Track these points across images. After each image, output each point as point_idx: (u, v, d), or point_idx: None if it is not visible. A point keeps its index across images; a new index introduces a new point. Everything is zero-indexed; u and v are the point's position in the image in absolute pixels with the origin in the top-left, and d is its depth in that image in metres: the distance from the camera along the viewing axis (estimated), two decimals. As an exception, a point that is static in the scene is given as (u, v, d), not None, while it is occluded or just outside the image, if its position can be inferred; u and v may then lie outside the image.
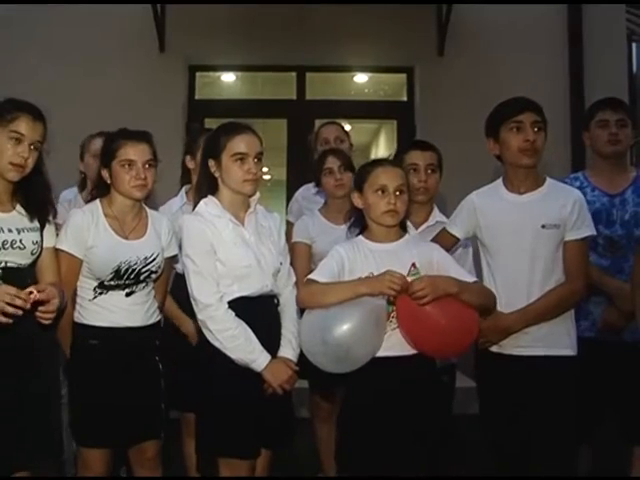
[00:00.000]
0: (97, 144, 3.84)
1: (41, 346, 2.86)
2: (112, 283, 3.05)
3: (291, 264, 3.23)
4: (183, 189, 3.89)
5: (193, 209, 3.09)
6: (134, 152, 3.08)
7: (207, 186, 3.07)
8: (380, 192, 2.90)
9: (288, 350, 3.00)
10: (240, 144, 2.98)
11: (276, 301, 3.07)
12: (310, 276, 2.89)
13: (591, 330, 3.49)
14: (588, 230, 3.06)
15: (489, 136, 3.18)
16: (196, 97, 7.23)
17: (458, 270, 2.90)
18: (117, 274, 3.03)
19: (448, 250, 3.20)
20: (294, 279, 3.16)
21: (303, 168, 6.02)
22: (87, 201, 3.27)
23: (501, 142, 3.11)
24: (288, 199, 5.79)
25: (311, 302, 2.83)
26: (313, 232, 3.88)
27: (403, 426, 2.78)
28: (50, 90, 6.03)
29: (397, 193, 2.90)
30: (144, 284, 3.12)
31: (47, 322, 2.70)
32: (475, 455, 3.55)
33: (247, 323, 2.89)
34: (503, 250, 3.08)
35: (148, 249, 3.12)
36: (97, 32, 6.79)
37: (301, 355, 2.99)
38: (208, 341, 2.90)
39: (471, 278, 2.94)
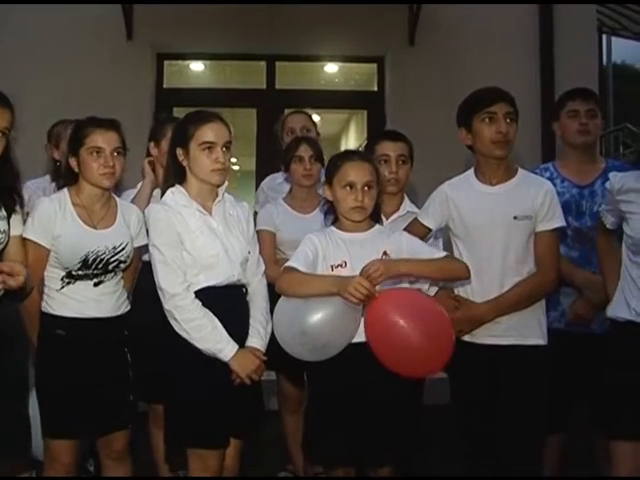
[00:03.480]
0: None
1: (13, 336, 2.82)
2: (80, 273, 3.02)
3: None
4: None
5: (161, 198, 3.06)
6: (102, 139, 3.04)
7: (174, 175, 3.04)
8: (348, 188, 2.92)
9: (256, 340, 2.97)
10: (208, 132, 2.95)
11: (244, 290, 3.06)
12: (288, 263, 2.91)
13: (560, 321, 3.50)
14: (559, 221, 3.08)
15: (461, 126, 3.17)
16: (164, 86, 7.21)
17: (427, 250, 2.95)
18: (85, 264, 3.00)
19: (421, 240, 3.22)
20: (263, 268, 3.15)
21: (273, 158, 6.00)
22: (53, 187, 3.22)
23: (473, 133, 3.10)
24: (257, 190, 5.76)
25: (288, 291, 2.84)
26: (277, 220, 3.85)
27: (373, 411, 2.80)
28: (16, 77, 5.95)
29: (365, 188, 2.92)
30: (113, 274, 3.09)
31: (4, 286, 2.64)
32: (443, 445, 3.56)
33: (214, 313, 2.87)
34: (475, 241, 3.08)
35: (117, 238, 3.09)
36: (64, 19, 6.73)
37: (269, 345, 2.99)
38: (176, 331, 2.87)
39: (441, 254, 2.96)
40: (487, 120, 3.05)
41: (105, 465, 3.20)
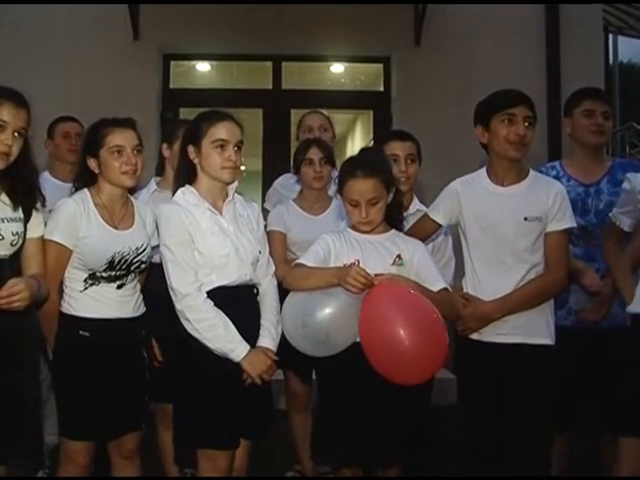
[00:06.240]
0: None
1: (23, 337, 2.81)
2: (104, 274, 3.01)
3: None
4: (153, 180, 3.85)
5: (172, 198, 3.06)
6: (122, 138, 3.05)
7: (185, 174, 3.05)
8: (353, 203, 2.93)
9: (267, 340, 2.98)
10: (222, 130, 2.97)
11: (255, 291, 3.06)
12: (298, 260, 2.95)
13: (567, 319, 3.50)
14: (569, 222, 3.09)
15: (478, 123, 3.16)
16: (171, 86, 7.20)
17: (432, 275, 2.92)
18: (111, 265, 3.00)
19: (429, 236, 3.25)
20: (273, 268, 3.16)
21: (279, 158, 6.03)
22: (71, 190, 3.19)
23: (491, 132, 3.10)
24: (264, 190, 5.76)
25: (293, 285, 2.88)
26: (288, 221, 3.87)
27: (381, 412, 2.81)
28: (20, 77, 5.93)
29: (370, 204, 2.92)
30: (133, 275, 3.09)
31: (16, 308, 2.62)
32: (450, 445, 3.56)
33: (226, 313, 2.87)
34: (485, 240, 3.09)
35: (138, 239, 3.09)
36: (69, 19, 6.73)
37: (279, 345, 2.99)
38: (186, 331, 2.87)
39: (441, 285, 2.92)
40: (506, 121, 3.04)
41: (115, 463, 3.19)
